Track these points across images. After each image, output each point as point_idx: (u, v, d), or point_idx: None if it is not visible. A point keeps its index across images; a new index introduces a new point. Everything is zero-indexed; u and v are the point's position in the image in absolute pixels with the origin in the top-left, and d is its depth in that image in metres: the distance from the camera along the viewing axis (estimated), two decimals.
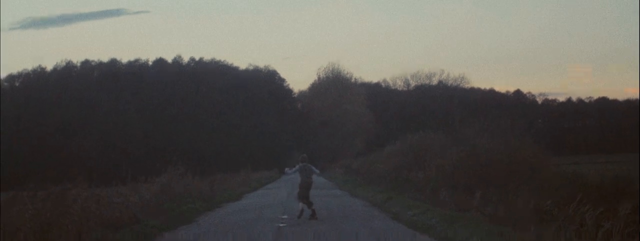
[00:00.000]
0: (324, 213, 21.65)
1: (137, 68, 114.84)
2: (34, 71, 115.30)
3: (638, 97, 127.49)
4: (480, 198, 16.98)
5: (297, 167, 22.93)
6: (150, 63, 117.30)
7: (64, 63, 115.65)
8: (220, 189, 43.49)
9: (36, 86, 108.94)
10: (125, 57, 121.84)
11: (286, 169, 23.55)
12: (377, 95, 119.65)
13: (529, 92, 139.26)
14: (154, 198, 27.19)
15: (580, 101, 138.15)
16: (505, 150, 23.58)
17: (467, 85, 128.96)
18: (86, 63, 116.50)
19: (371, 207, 23.38)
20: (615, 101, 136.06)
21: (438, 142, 30.57)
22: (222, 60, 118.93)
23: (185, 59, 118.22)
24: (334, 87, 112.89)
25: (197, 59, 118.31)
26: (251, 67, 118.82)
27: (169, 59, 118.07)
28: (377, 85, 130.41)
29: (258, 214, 23.39)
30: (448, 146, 30.59)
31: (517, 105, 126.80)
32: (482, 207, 16.09)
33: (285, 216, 21.35)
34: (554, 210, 12.19)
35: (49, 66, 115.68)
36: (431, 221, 16.01)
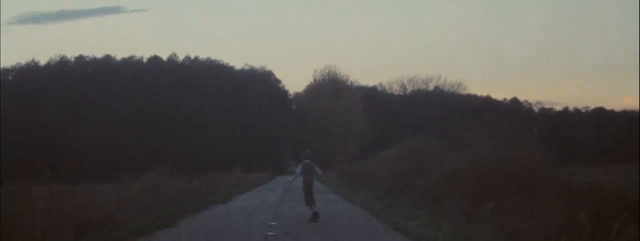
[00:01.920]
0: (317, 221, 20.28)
1: (131, 66, 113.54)
2: (28, 65, 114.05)
3: (638, 108, 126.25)
4: (492, 209, 15.56)
5: (300, 166, 21.45)
6: (145, 60, 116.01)
7: (57, 58, 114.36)
8: (211, 189, 42.13)
9: (29, 80, 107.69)
10: (120, 55, 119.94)
11: (291, 178, 22.13)
12: (373, 99, 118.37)
13: (526, 100, 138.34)
14: (139, 198, 25.78)
15: (577, 110, 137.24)
16: (511, 157, 22.23)
17: (464, 92, 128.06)
18: (80, 58, 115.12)
19: (370, 216, 21.84)
20: (612, 111, 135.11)
21: (439, 147, 29.22)
22: (218, 59, 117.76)
23: (181, 57, 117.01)
24: (330, 89, 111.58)
25: (192, 57, 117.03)
26: (247, 67, 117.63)
27: (164, 57, 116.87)
28: (373, 88, 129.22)
29: (246, 218, 21.88)
30: (449, 151, 29.23)
31: (514, 112, 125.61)
32: (495, 219, 14.67)
33: (275, 223, 19.78)
34: (588, 226, 10.77)
35: (43, 61, 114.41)
36: (438, 234, 14.55)
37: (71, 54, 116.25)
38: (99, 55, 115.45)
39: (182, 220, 21.99)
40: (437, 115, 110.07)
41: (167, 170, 30.94)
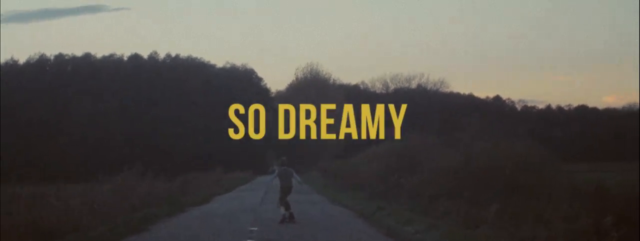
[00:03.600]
0: (300, 224, 18.79)
1: (111, 64, 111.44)
2: (6, 64, 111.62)
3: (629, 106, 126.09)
4: (496, 213, 14.01)
5: (276, 171, 21.37)
6: (125, 58, 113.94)
7: (37, 57, 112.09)
8: (190, 190, 40.50)
9: (7, 79, 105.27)
10: (102, 53, 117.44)
11: (270, 178, 22.32)
12: (356, 97, 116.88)
13: (508, 98, 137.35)
14: (109, 200, 24.09)
15: (559, 108, 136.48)
16: (507, 154, 20.84)
17: (446, 90, 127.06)
18: (59, 57, 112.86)
19: (358, 218, 20.16)
20: (594, 109, 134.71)
21: (431, 144, 27.73)
22: (199, 57, 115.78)
23: (162, 55, 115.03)
24: (312, 87, 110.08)
25: (173, 55, 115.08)
26: (228, 65, 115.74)
27: (145, 55, 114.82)
28: (356, 87, 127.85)
29: (224, 223, 20.20)
30: (435, 148, 27.81)
31: (496, 110, 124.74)
32: (501, 224, 13.15)
33: (255, 228, 18.08)
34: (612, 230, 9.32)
35: (22, 59, 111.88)
36: None
37: (54, 52, 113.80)
38: (80, 53, 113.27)
39: (155, 224, 20.27)
40: (420, 112, 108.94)
41: (140, 170, 29.15)
